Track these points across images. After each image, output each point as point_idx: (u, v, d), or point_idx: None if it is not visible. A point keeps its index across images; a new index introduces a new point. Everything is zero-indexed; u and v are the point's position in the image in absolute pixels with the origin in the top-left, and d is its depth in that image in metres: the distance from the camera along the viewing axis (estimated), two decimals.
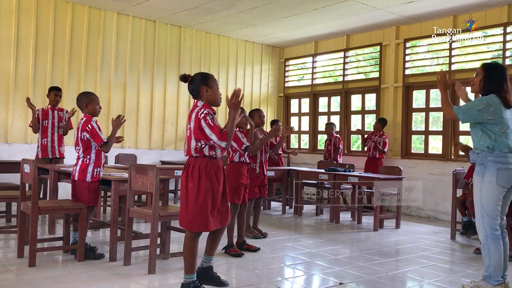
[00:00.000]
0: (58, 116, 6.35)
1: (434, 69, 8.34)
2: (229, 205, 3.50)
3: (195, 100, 3.38)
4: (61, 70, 7.86)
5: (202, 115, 3.22)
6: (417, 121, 8.63)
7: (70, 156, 6.34)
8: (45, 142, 6.28)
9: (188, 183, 3.25)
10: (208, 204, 3.24)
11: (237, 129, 4.70)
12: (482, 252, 3.66)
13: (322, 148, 9.75)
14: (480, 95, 3.74)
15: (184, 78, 3.39)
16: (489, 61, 7.60)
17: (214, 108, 3.41)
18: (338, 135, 8.93)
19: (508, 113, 3.60)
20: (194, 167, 3.25)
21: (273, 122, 8.68)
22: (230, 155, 4.86)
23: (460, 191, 6.47)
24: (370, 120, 9.34)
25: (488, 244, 3.58)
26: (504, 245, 3.63)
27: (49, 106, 6.32)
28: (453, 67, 7.88)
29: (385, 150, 8.19)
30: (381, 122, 8.36)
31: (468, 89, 4.13)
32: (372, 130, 8.46)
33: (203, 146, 3.27)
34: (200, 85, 3.33)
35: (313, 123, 10.23)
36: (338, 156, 8.75)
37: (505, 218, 3.71)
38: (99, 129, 4.30)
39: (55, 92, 6.32)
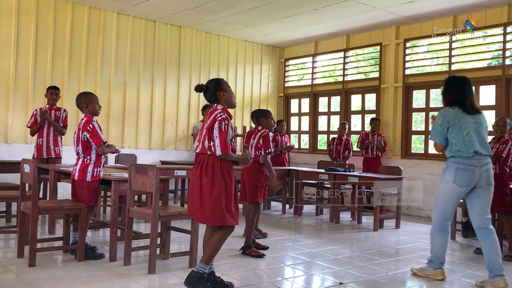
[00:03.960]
0: (55, 116, 6.32)
1: (434, 69, 8.34)
2: (238, 206, 3.56)
3: (215, 104, 3.51)
4: (61, 70, 7.86)
5: (220, 118, 3.39)
6: (417, 121, 8.63)
7: (69, 156, 6.35)
8: (40, 142, 6.27)
9: (202, 179, 3.37)
10: (223, 199, 3.34)
11: (266, 131, 4.98)
12: (430, 238, 4.15)
13: (323, 148, 9.75)
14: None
15: (199, 88, 3.51)
16: (489, 61, 7.67)
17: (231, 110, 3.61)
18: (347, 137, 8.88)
19: (470, 118, 3.94)
20: (208, 164, 3.38)
21: (278, 123, 8.75)
22: (256, 154, 4.93)
23: None
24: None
25: (433, 233, 4.09)
26: (493, 242, 3.88)
27: (47, 106, 6.32)
28: (453, 67, 7.88)
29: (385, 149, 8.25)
30: (379, 122, 8.38)
31: None
32: (370, 130, 8.44)
33: (211, 145, 3.40)
34: (216, 91, 3.49)
35: (313, 123, 10.22)
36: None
37: (489, 214, 3.97)
38: (100, 129, 4.31)
39: (51, 91, 6.32)
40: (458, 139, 3.88)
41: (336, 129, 9.05)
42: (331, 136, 9.45)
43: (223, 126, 3.34)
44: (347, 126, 8.74)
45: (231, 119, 3.49)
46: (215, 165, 3.35)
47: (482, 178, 3.90)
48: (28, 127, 6.36)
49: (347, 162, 8.47)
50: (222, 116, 3.38)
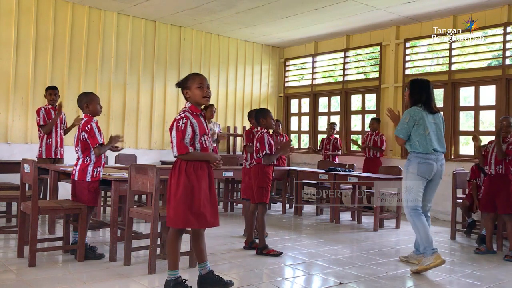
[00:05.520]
0: (59, 117, 6.35)
1: (434, 69, 8.34)
2: (217, 207, 3.47)
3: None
4: (61, 70, 7.86)
5: (178, 117, 3.29)
6: None
7: (70, 156, 6.35)
8: (50, 142, 6.27)
9: (171, 180, 3.33)
10: (187, 200, 3.26)
11: (265, 130, 4.90)
12: (413, 229, 4.50)
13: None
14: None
15: (177, 84, 3.42)
16: (489, 61, 7.67)
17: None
18: (337, 136, 8.97)
19: (431, 118, 4.44)
20: (175, 165, 3.34)
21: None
22: (257, 156, 4.87)
23: (460, 191, 6.47)
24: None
25: (413, 220, 4.42)
26: (427, 226, 4.44)
27: (50, 106, 6.31)
28: (453, 67, 7.88)
29: (383, 148, 8.22)
30: (378, 122, 8.38)
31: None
32: (370, 130, 8.44)
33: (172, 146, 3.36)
34: (182, 88, 3.37)
35: (313, 123, 10.22)
36: (336, 156, 8.79)
37: (429, 204, 4.61)
38: (99, 130, 4.30)
39: (50, 91, 6.31)
40: (420, 137, 4.38)
41: (338, 129, 9.23)
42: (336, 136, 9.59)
43: (180, 125, 3.23)
44: (335, 127, 8.98)
45: (202, 117, 3.38)
46: (181, 166, 3.27)
47: (438, 172, 4.47)
48: (42, 125, 6.21)
49: (336, 158, 8.74)
50: (181, 115, 3.27)
